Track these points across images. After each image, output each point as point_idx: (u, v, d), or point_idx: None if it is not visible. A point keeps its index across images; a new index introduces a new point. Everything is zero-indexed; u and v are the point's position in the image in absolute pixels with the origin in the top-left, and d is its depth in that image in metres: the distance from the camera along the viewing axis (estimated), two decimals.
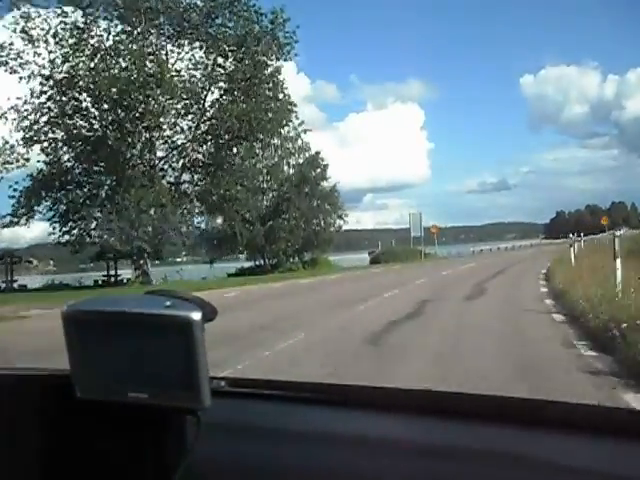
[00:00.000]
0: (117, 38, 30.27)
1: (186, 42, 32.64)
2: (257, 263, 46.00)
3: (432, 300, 14.91)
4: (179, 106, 32.76)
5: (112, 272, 37.15)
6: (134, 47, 30.07)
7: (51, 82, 29.69)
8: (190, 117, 33.48)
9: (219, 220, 42.48)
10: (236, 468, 1.02)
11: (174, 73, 31.46)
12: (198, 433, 0.92)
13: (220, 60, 32.72)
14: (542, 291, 16.02)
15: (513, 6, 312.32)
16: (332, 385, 1.36)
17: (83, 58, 29.10)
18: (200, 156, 34.73)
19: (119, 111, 30.25)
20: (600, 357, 7.12)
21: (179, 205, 33.39)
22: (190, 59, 32.78)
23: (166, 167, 34.86)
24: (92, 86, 28.97)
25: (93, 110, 30.83)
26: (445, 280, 22.94)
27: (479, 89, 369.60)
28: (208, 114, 33.26)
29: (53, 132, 30.94)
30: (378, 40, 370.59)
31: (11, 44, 28.78)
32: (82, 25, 29.27)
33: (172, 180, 34.75)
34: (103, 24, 30.28)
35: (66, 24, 29.04)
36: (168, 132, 33.72)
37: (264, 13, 31.87)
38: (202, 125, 33.53)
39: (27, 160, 30.25)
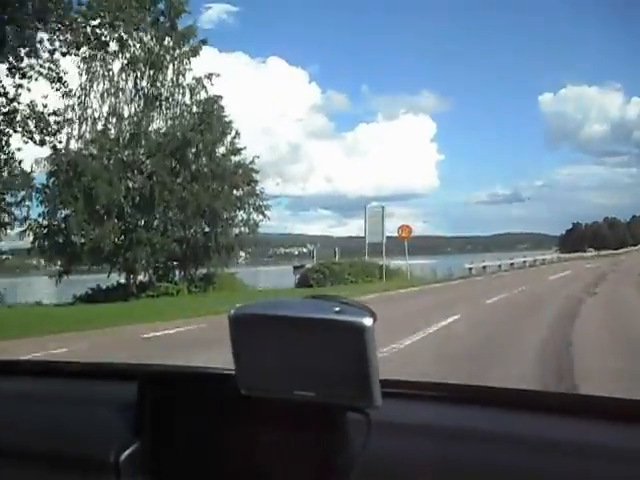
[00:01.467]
0: None
1: None
2: (122, 280, 28.37)
3: None
4: None
5: None
6: None
7: None
8: None
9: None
10: (403, 464, 1.03)
11: None
12: (369, 431, 0.94)
13: None
14: None
15: (536, 25, 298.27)
16: (467, 385, 1.32)
17: None
18: None
19: None
20: None
21: None
22: None
23: None
24: None
25: None
26: None
27: (495, 104, 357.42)
28: None
29: None
30: (391, 51, 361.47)
31: None
32: None
33: None
34: None
35: None
36: None
37: None
38: None
39: None
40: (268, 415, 1.00)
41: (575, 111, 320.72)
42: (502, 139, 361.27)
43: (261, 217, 28.57)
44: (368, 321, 0.84)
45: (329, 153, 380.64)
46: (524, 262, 43.63)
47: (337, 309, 0.86)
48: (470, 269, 34.32)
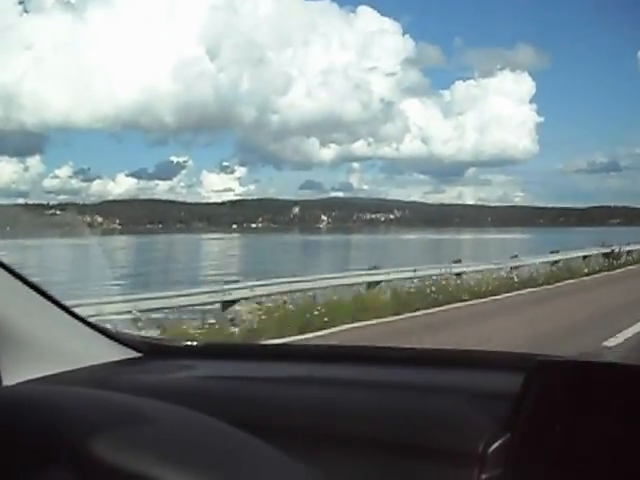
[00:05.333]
0: None
1: None
2: None
3: None
4: None
5: None
6: None
7: None
8: None
9: None
10: None
11: None
12: None
13: None
14: None
15: None
16: None
17: None
18: None
19: None
20: None
21: None
22: None
23: None
24: None
25: None
26: None
27: (596, 59, 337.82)
28: None
29: None
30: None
31: None
32: None
33: None
34: None
35: None
36: None
37: None
38: None
39: None
40: None
41: None
42: (603, 99, 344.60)
43: None
44: None
45: (425, 112, 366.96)
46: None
47: None
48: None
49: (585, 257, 21.15)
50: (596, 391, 0.99)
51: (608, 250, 22.18)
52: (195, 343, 1.63)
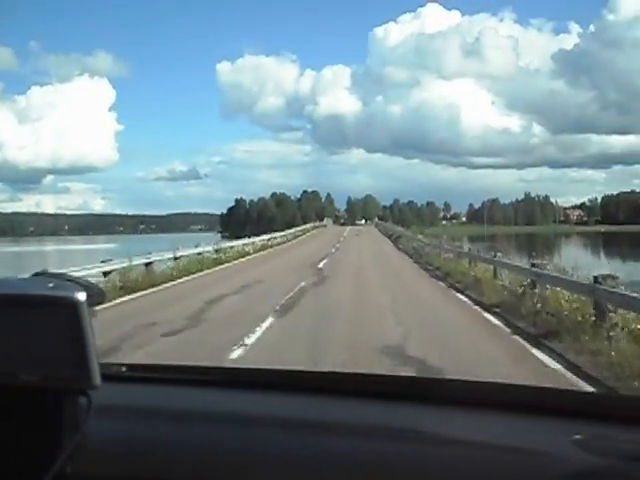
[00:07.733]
0: None
1: None
2: None
3: None
4: None
5: None
6: None
7: None
8: None
9: None
10: (127, 449, 1.04)
11: None
12: (89, 413, 0.92)
13: None
14: None
15: None
16: (226, 368, 1.41)
17: None
18: None
19: None
20: None
21: None
22: None
23: None
24: None
25: None
26: None
27: (175, 71, 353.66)
28: None
29: None
30: (59, 3, 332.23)
31: None
32: None
33: None
34: None
35: None
36: None
37: None
38: None
39: None
40: None
41: (252, 82, 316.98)
42: (182, 110, 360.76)
43: None
44: (81, 296, 0.81)
45: None
46: None
47: (51, 285, 0.83)
48: None
49: None
50: None
51: None
52: None
